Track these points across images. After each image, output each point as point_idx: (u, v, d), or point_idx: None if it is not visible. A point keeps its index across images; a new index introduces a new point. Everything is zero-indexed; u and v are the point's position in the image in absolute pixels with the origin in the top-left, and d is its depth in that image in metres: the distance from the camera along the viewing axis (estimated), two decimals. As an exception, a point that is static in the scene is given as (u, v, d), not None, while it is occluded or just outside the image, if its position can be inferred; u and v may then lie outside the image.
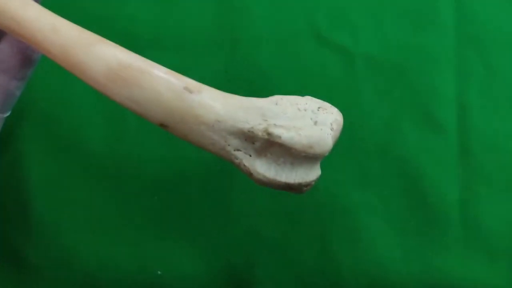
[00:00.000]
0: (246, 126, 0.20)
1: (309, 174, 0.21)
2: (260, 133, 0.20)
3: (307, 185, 0.21)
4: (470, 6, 0.34)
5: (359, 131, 0.33)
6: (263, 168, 0.20)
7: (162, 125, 0.21)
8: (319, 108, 0.21)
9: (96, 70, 0.20)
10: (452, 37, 0.34)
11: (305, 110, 0.21)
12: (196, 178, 0.33)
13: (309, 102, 0.21)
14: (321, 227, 0.33)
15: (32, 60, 0.24)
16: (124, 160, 0.33)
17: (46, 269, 0.32)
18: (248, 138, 0.20)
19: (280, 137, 0.19)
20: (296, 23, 0.34)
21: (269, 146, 0.20)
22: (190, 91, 0.20)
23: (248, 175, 0.20)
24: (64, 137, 0.33)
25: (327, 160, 0.31)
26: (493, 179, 0.33)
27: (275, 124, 0.20)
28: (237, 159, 0.20)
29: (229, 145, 0.20)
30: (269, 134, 0.20)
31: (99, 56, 0.21)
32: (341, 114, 0.22)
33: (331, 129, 0.21)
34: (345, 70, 0.33)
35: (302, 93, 0.33)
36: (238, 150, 0.20)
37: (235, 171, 0.33)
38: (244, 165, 0.20)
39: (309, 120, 0.21)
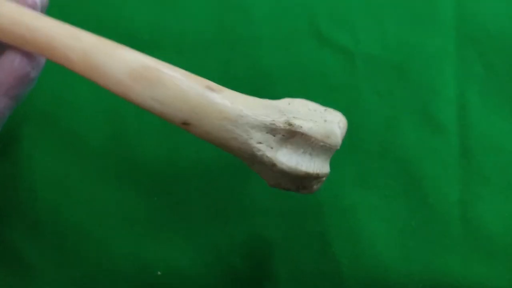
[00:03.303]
0: (267, 119, 0.21)
1: (324, 166, 0.22)
2: (281, 125, 0.21)
3: (322, 176, 0.22)
4: (470, 6, 0.34)
5: (359, 131, 0.33)
6: (285, 158, 0.21)
7: (185, 124, 0.21)
8: (325, 110, 0.23)
9: (120, 71, 0.21)
10: (452, 37, 0.34)
11: (315, 110, 0.23)
12: (196, 179, 0.33)
13: (316, 105, 0.23)
14: (321, 227, 0.33)
15: (29, 78, 0.24)
16: (124, 160, 0.33)
17: (46, 269, 0.32)
18: (270, 130, 0.21)
19: (301, 126, 0.21)
20: (296, 23, 0.34)
21: (290, 137, 0.21)
22: (212, 90, 0.21)
23: (270, 166, 0.21)
24: (64, 137, 0.33)
25: (327, 160, 0.31)
26: (493, 179, 0.33)
27: (294, 117, 0.22)
28: (259, 151, 0.21)
29: (251, 138, 0.21)
30: (290, 124, 0.21)
31: (122, 58, 0.22)
32: (344, 117, 0.24)
33: (338, 127, 0.23)
34: (346, 70, 0.33)
35: (302, 93, 0.33)
36: (260, 143, 0.21)
37: (235, 172, 0.33)
38: (267, 156, 0.21)
39: (320, 118, 0.22)
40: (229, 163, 0.33)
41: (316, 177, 0.22)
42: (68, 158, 0.33)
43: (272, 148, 0.21)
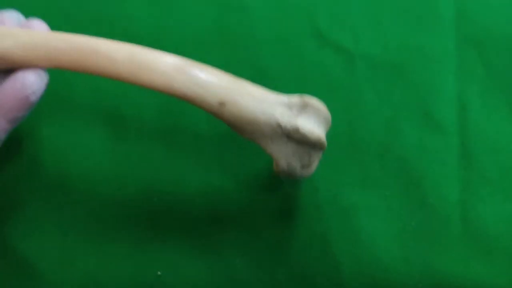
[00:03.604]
0: (285, 98, 0.27)
1: (324, 137, 0.28)
2: (297, 100, 0.27)
3: (323, 146, 0.27)
4: (470, 6, 0.34)
5: (359, 131, 0.33)
6: (304, 123, 0.27)
7: (221, 103, 0.26)
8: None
9: (165, 65, 0.26)
10: (452, 37, 0.34)
11: None
12: (196, 179, 0.33)
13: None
14: (321, 227, 0.33)
15: (29, 102, 0.25)
16: (124, 160, 0.33)
17: (46, 269, 0.32)
18: (288, 106, 0.27)
19: (311, 99, 0.27)
20: (296, 23, 0.34)
21: (302, 109, 0.27)
22: (240, 79, 0.27)
23: (292, 132, 0.26)
24: (63, 137, 0.33)
25: (328, 160, 0.31)
26: (493, 179, 0.33)
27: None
28: (283, 121, 0.26)
29: (275, 110, 0.26)
30: (303, 99, 0.27)
31: (164, 56, 0.26)
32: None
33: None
34: (346, 70, 0.33)
35: (302, 93, 0.33)
36: (282, 114, 0.26)
37: (235, 172, 0.33)
38: (290, 122, 0.26)
39: None
40: (229, 163, 0.33)
41: (320, 146, 0.27)
42: (68, 158, 0.33)
43: (292, 119, 0.26)
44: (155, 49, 0.26)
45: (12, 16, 0.27)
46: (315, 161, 0.28)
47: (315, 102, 0.27)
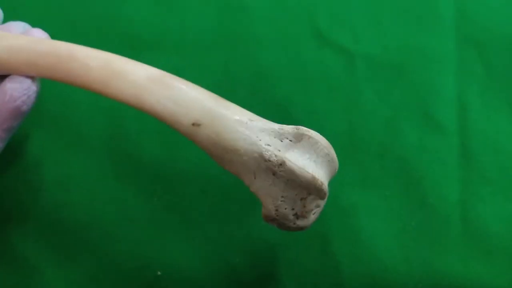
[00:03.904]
0: (276, 125, 0.22)
1: (326, 182, 0.23)
2: (289, 129, 0.22)
3: (324, 193, 0.22)
4: (470, 6, 0.34)
5: (359, 131, 0.33)
6: (294, 158, 0.22)
7: (195, 124, 0.22)
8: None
9: (139, 74, 0.23)
10: (452, 37, 0.34)
11: None
12: (196, 179, 0.33)
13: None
14: (321, 227, 0.33)
15: (21, 112, 0.25)
16: (124, 160, 0.33)
17: (46, 269, 0.32)
18: (278, 135, 0.22)
19: (308, 130, 0.22)
20: (296, 23, 0.34)
21: (297, 141, 0.22)
22: (223, 99, 0.23)
23: (277, 167, 0.21)
24: (63, 137, 0.33)
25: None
26: (493, 179, 0.33)
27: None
28: (268, 151, 0.22)
29: (260, 140, 0.22)
30: (298, 129, 0.22)
31: (141, 66, 0.23)
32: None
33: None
34: (346, 70, 0.33)
35: (302, 93, 0.33)
36: (268, 145, 0.22)
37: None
38: (276, 155, 0.22)
39: None
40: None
41: (317, 190, 0.22)
42: (68, 158, 0.33)
43: (279, 151, 0.22)
44: (137, 61, 0.24)
45: (18, 26, 0.27)
46: (314, 211, 0.23)
47: (313, 133, 0.22)
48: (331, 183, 0.30)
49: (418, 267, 0.32)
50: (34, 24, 0.28)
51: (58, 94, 0.33)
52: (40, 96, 0.33)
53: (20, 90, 0.25)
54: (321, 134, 0.23)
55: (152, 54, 0.33)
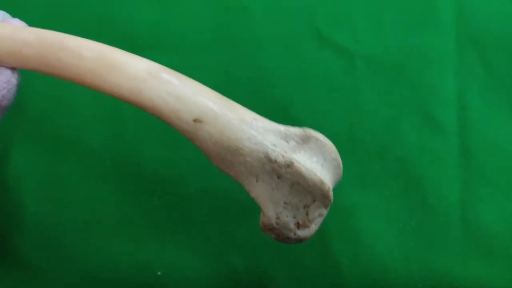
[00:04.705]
0: (282, 127, 0.21)
1: (332, 186, 0.22)
2: (296, 131, 0.21)
3: (329, 199, 0.21)
4: (470, 6, 0.34)
5: (359, 131, 0.33)
6: (303, 158, 0.21)
7: (197, 120, 0.20)
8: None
9: (138, 67, 0.21)
10: (452, 37, 0.34)
11: None
12: (196, 179, 0.33)
13: None
14: (321, 227, 0.33)
15: (2, 107, 0.23)
16: (124, 160, 0.33)
17: (46, 269, 0.32)
18: (284, 137, 0.21)
19: (316, 133, 0.21)
20: (296, 23, 0.34)
21: (304, 143, 0.21)
22: (226, 97, 0.22)
23: (284, 167, 0.20)
24: (63, 137, 0.33)
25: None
26: (493, 179, 0.33)
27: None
28: (274, 152, 0.20)
29: (265, 139, 0.21)
30: (305, 131, 0.21)
31: (137, 58, 0.21)
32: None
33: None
34: (346, 70, 0.33)
35: (302, 93, 0.33)
36: (274, 145, 0.21)
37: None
38: (283, 155, 0.20)
39: None
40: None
41: (322, 195, 0.21)
42: (68, 158, 0.33)
43: (286, 152, 0.21)
44: (133, 53, 0.22)
45: None
46: (317, 219, 0.22)
47: (321, 136, 0.21)
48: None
49: (418, 267, 0.32)
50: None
51: (58, 94, 0.33)
52: (39, 96, 0.33)
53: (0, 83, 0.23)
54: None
55: (152, 54, 0.33)
